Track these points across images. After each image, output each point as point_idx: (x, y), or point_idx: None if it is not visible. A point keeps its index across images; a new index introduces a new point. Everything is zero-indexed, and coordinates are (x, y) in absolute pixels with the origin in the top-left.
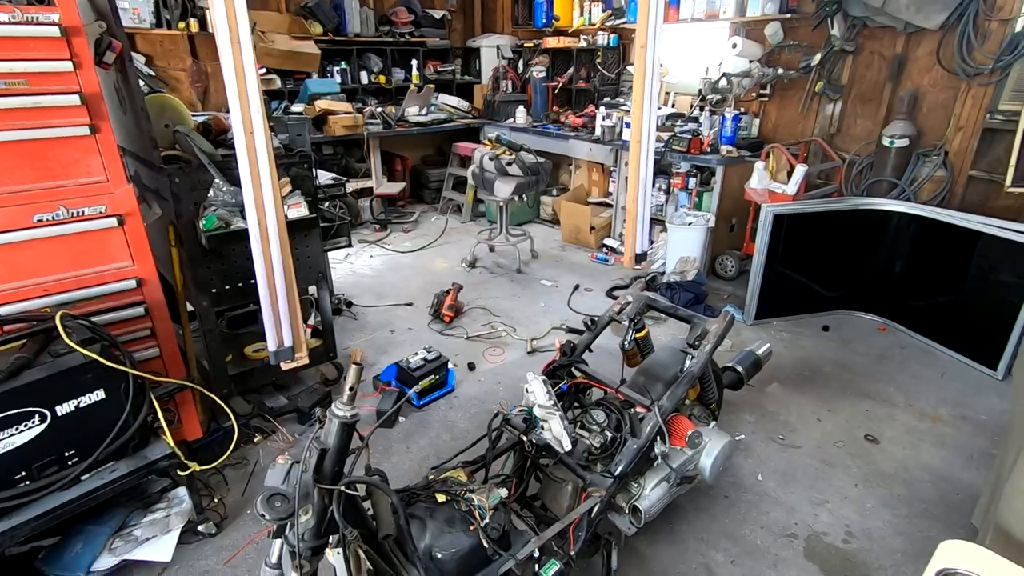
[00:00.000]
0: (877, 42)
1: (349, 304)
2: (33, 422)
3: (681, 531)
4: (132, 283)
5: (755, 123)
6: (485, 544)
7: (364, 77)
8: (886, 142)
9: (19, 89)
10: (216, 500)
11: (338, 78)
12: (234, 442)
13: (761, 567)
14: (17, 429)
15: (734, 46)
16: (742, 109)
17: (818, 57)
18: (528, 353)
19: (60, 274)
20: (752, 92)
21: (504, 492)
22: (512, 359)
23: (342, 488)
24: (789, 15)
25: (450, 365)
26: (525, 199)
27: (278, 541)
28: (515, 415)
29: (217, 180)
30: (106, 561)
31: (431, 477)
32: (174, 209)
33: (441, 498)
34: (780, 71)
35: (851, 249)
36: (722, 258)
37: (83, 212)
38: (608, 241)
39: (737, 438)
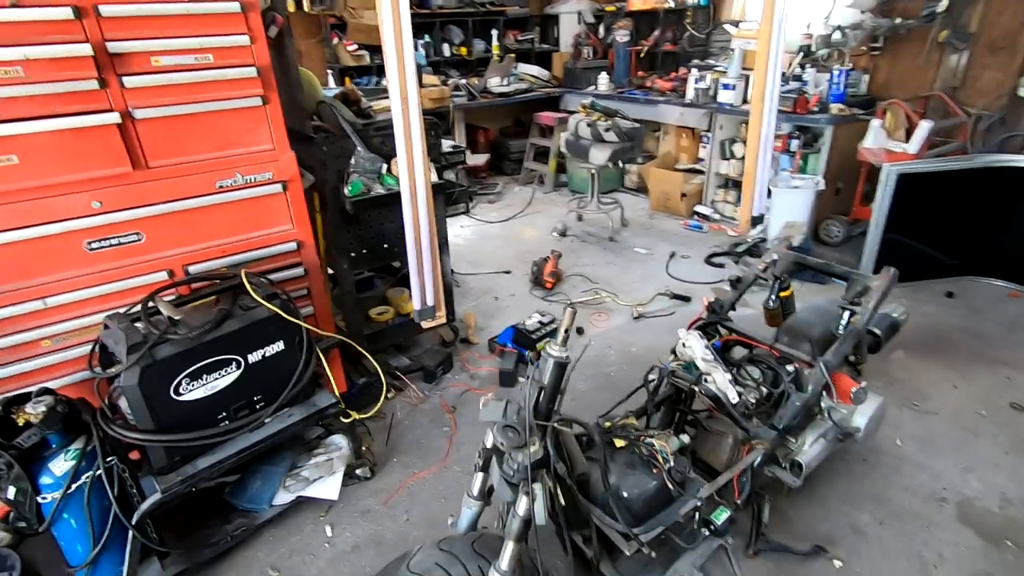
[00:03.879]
0: None
1: (451, 272)
2: (231, 368)
3: (821, 493)
4: (293, 245)
5: (864, 79)
6: (669, 486)
7: (446, 49)
8: (1023, 93)
9: (207, 64)
10: (366, 448)
11: (422, 51)
12: (383, 394)
13: (913, 528)
14: (220, 374)
15: None
16: (850, 65)
17: (945, 3)
18: (634, 319)
19: (234, 236)
20: (863, 45)
21: (686, 438)
22: (617, 324)
23: (555, 424)
24: None
25: None
26: (620, 165)
27: (480, 475)
28: (673, 369)
29: (358, 148)
30: (284, 497)
31: (604, 424)
32: (319, 177)
33: (620, 443)
34: (897, 21)
35: (980, 211)
36: (827, 223)
37: (254, 179)
38: (700, 208)
39: None
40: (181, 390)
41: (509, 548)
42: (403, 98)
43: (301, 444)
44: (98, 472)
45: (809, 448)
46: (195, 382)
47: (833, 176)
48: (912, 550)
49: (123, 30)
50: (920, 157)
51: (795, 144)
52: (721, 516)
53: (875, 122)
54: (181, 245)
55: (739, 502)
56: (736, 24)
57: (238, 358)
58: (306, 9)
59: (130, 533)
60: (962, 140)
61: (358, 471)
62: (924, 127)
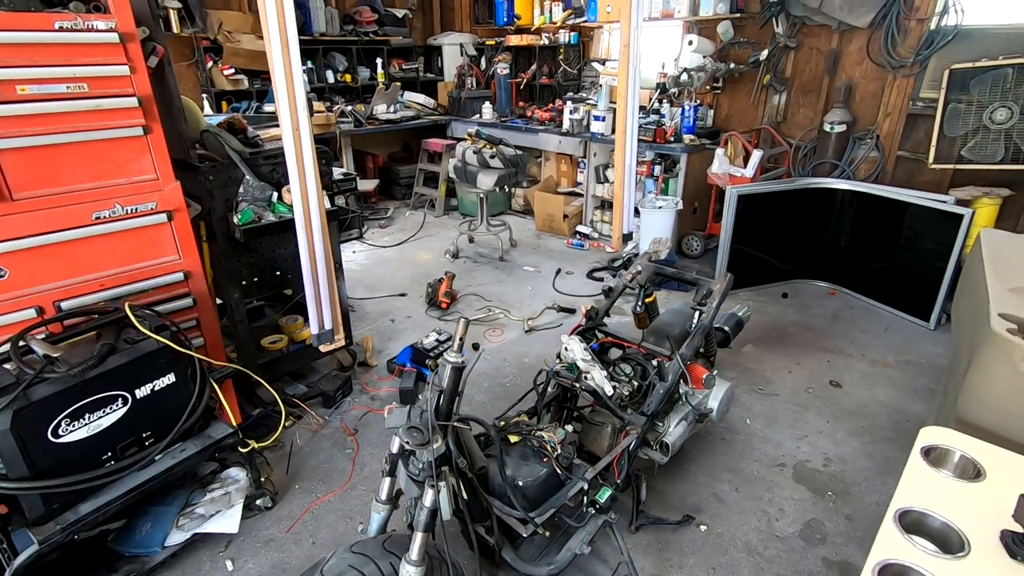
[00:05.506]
0: (815, 39)
1: (346, 296)
2: (117, 405)
3: (690, 470)
4: (180, 276)
5: (710, 114)
6: (558, 471)
7: (330, 76)
8: (827, 128)
9: (81, 93)
10: (265, 478)
11: (305, 77)
12: (282, 422)
13: (760, 491)
14: (105, 412)
15: (690, 43)
16: (698, 101)
17: (765, 53)
18: (526, 332)
19: (115, 269)
20: (706, 85)
21: (570, 428)
22: (511, 338)
23: (455, 423)
24: (738, 14)
25: None
26: (506, 190)
27: (387, 479)
28: (560, 370)
29: (247, 177)
30: (177, 537)
31: (500, 424)
32: (207, 206)
33: (514, 439)
34: (732, 65)
35: (803, 224)
36: (688, 238)
37: (136, 209)
38: (581, 228)
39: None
40: (60, 432)
41: (418, 539)
42: (294, 128)
43: (195, 480)
44: None
45: (674, 429)
46: (76, 422)
47: (690, 197)
48: (760, 508)
49: None
50: (755, 180)
51: (657, 169)
52: (604, 495)
53: (719, 151)
54: (52, 280)
55: (619, 481)
56: (602, 62)
57: (124, 394)
58: (176, 31)
59: None
60: (786, 166)
61: (258, 501)
62: (756, 155)
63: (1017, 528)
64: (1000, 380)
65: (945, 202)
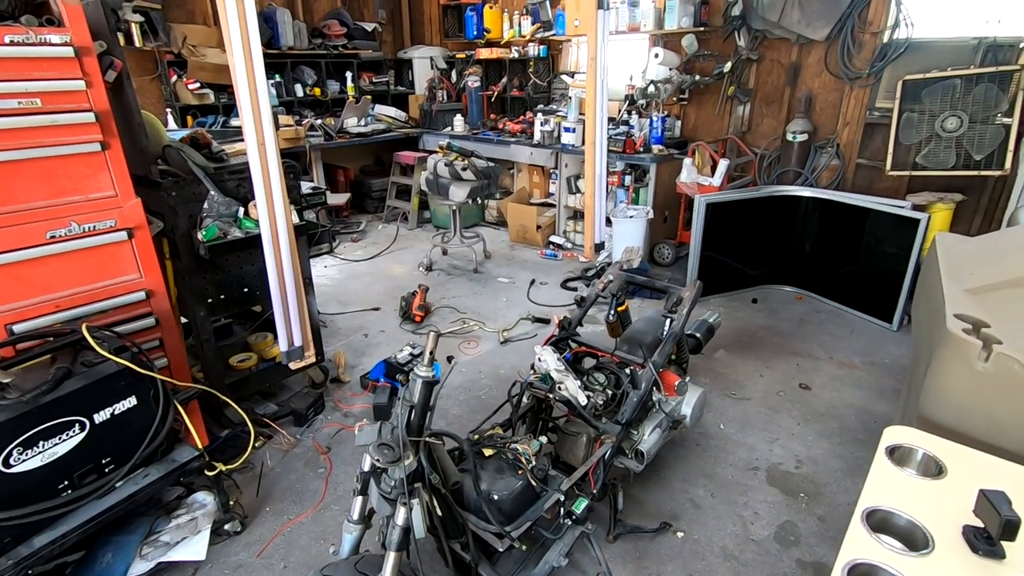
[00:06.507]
0: (776, 51)
1: (318, 312)
2: (74, 431)
3: (666, 476)
4: (141, 295)
5: (677, 124)
6: (533, 484)
7: (299, 90)
8: (790, 137)
9: (33, 108)
10: (234, 502)
11: (273, 91)
12: (251, 443)
13: (735, 495)
14: (60, 439)
15: (656, 56)
16: (665, 112)
17: (729, 65)
18: (501, 343)
19: (72, 289)
20: (673, 96)
21: (544, 439)
22: (487, 350)
23: (427, 438)
24: (702, 28)
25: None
26: (479, 202)
27: (359, 498)
28: (534, 381)
29: (212, 192)
30: (141, 567)
31: (474, 438)
32: (169, 222)
33: (488, 452)
34: (697, 77)
35: (770, 231)
36: (659, 247)
37: (94, 227)
38: (554, 238)
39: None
40: (12, 461)
41: (391, 559)
42: (259, 142)
43: (159, 507)
44: None
45: (648, 437)
46: (29, 450)
47: (660, 206)
48: (735, 512)
49: None
50: (723, 189)
51: (628, 179)
52: (581, 505)
53: (687, 160)
54: (4, 302)
55: (595, 491)
56: (571, 75)
57: (82, 419)
58: (138, 44)
59: None
60: (752, 174)
61: (227, 526)
62: (723, 164)
63: (978, 523)
64: (958, 379)
65: (903, 207)
